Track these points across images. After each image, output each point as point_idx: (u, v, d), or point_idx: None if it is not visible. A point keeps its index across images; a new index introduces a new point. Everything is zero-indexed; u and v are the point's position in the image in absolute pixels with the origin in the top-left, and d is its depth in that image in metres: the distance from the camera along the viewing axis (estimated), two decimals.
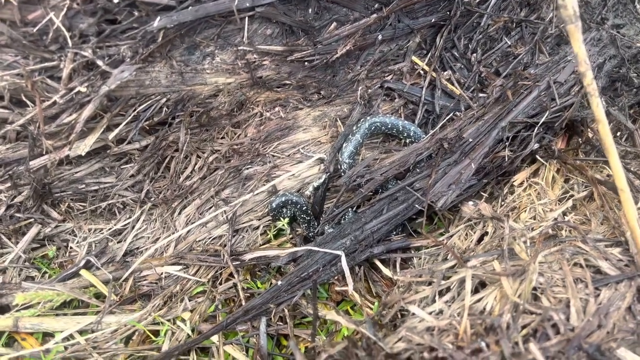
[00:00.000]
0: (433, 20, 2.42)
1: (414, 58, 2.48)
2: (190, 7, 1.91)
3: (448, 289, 1.86)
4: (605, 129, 1.68)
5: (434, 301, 1.81)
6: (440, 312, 1.75)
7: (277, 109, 2.34)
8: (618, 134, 2.57)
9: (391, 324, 1.83)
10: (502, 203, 2.32)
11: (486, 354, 1.47)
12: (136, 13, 1.87)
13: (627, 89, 2.79)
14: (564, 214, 2.09)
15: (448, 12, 2.45)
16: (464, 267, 1.85)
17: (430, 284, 1.91)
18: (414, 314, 1.73)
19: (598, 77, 2.63)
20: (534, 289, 1.70)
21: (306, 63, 2.23)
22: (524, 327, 1.56)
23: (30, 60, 1.88)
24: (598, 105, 1.67)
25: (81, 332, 2.05)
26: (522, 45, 2.73)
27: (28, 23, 1.82)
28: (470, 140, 2.29)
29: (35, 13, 1.80)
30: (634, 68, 2.79)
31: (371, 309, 2.10)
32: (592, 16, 2.95)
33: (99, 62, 1.87)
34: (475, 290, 1.82)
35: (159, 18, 1.87)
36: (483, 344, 1.50)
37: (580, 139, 2.45)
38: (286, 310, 2.04)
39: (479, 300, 1.73)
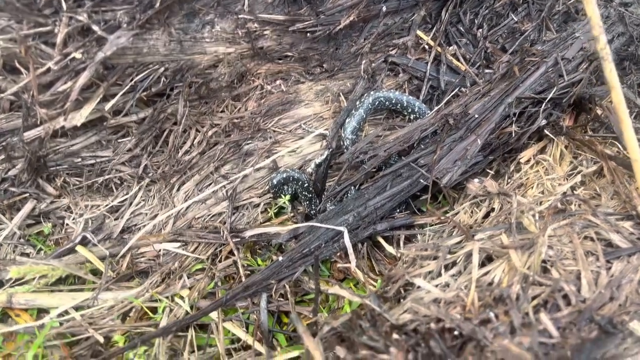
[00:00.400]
0: None
1: (418, 32, 2.43)
2: None
3: (454, 263, 1.80)
4: (619, 96, 1.63)
5: (439, 275, 1.75)
6: (447, 285, 1.70)
7: (278, 82, 2.28)
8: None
9: (395, 298, 1.77)
10: (509, 180, 2.27)
11: (495, 324, 1.42)
12: None
13: (636, 67, 2.73)
14: (573, 188, 2.04)
15: None
16: (470, 241, 1.80)
17: (435, 258, 1.86)
18: (419, 287, 1.68)
19: None
20: (544, 261, 1.64)
21: (308, 34, 2.17)
22: (534, 298, 1.51)
23: (24, 24, 1.81)
24: (611, 71, 1.62)
25: (77, 308, 2.00)
26: (529, 21, 2.67)
27: None
28: (476, 116, 2.24)
29: None
30: None
31: (374, 286, 2.05)
32: None
33: (95, 27, 1.80)
34: (482, 265, 1.76)
35: None
36: (492, 315, 1.45)
37: (588, 116, 2.39)
38: (287, 287, 1.99)
39: (486, 274, 1.68)
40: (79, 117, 1.98)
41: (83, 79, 1.86)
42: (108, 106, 2.01)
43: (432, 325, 1.45)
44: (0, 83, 1.93)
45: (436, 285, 1.68)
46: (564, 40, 2.48)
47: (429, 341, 1.40)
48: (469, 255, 1.76)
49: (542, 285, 1.55)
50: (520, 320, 1.41)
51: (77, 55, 1.82)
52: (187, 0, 1.94)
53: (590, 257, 1.66)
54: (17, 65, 1.89)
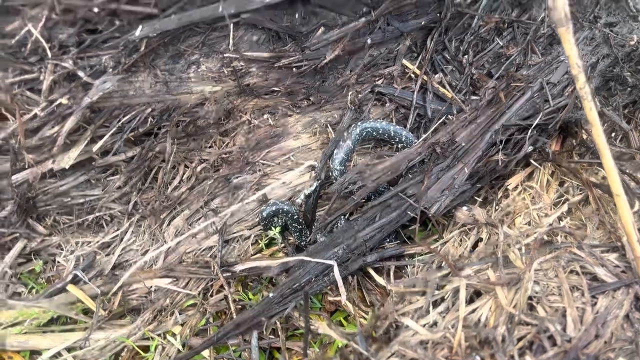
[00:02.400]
0: (423, 22, 2.38)
1: (404, 61, 2.45)
2: (173, 15, 1.86)
3: (442, 299, 1.82)
4: (599, 133, 1.64)
5: (428, 312, 1.77)
6: (435, 323, 1.71)
7: (265, 116, 2.30)
8: (613, 134, 2.54)
9: (385, 337, 1.78)
10: (497, 207, 2.28)
11: None
12: (117, 22, 1.83)
13: (621, 88, 2.75)
14: (560, 218, 2.06)
15: (438, 14, 2.41)
16: (457, 277, 1.81)
17: (424, 293, 1.87)
18: (407, 326, 1.69)
19: (591, 77, 2.60)
20: (530, 298, 1.66)
21: (294, 69, 2.19)
22: (519, 339, 1.52)
23: (10, 72, 1.83)
24: (591, 109, 1.63)
25: (69, 349, 2.01)
26: (515, 45, 2.69)
27: (6, 35, 1.77)
28: (463, 144, 2.26)
29: (12, 24, 1.76)
30: (628, 67, 2.75)
31: (365, 318, 2.06)
32: (584, 14, 2.91)
33: (80, 73, 1.82)
34: (470, 300, 1.78)
35: (141, 27, 1.82)
36: (478, 358, 1.46)
37: (574, 141, 2.42)
38: (278, 323, 2.00)
39: (473, 311, 1.70)
40: (67, 160, 2.00)
41: (70, 123, 1.87)
42: (96, 148, 2.03)
43: None
44: None
45: (424, 325, 1.70)
46: (549, 64, 2.51)
47: None
48: (456, 291, 1.78)
49: (528, 325, 1.56)
50: None
51: (64, 101, 1.83)
52: (172, 42, 1.96)
53: (575, 292, 1.68)
54: (4, 111, 1.91)
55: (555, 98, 2.37)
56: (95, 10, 1.77)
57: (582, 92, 1.62)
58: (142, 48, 1.88)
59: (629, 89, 2.72)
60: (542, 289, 1.69)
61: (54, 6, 1.73)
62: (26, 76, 1.84)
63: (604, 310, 1.61)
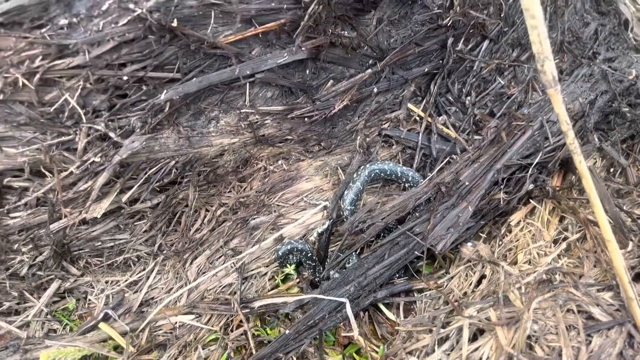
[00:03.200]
0: (426, 69, 2.53)
1: (409, 105, 2.59)
2: (194, 79, 2.05)
3: (447, 337, 1.95)
4: (589, 184, 1.77)
5: (433, 350, 1.90)
6: None
7: (280, 162, 2.46)
8: (611, 170, 2.64)
9: None
10: (500, 243, 2.40)
11: None
12: (144, 87, 2.02)
13: (621, 122, 2.85)
14: (559, 256, 2.17)
15: (441, 61, 2.56)
16: (460, 316, 1.94)
17: (431, 331, 2.00)
18: None
19: (590, 114, 2.71)
20: (529, 337, 1.78)
21: (306, 119, 2.35)
22: None
23: (48, 135, 2.03)
24: (581, 162, 1.76)
25: None
26: (516, 84, 2.82)
27: (45, 103, 1.97)
28: (467, 183, 2.38)
29: (51, 94, 1.96)
30: (626, 101, 2.86)
31: (376, 352, 2.19)
32: (583, 51, 3.04)
33: (111, 134, 2.01)
34: (474, 337, 1.90)
35: (165, 91, 2.01)
36: None
37: (574, 177, 2.53)
38: (295, 358, 2.14)
39: (476, 349, 1.82)
40: (99, 210, 2.18)
41: (102, 179, 2.06)
42: (125, 198, 2.21)
43: None
44: (28, 185, 2.14)
45: None
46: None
47: None
48: (460, 329, 1.91)
49: None
50: None
51: (96, 159, 2.02)
52: (193, 101, 2.14)
53: (572, 331, 1.79)
54: (43, 169, 2.10)
55: (555, 136, 2.48)
56: (125, 78, 1.96)
57: (572, 147, 1.75)
58: (167, 109, 2.06)
59: (627, 123, 2.82)
60: (540, 328, 1.81)
61: (89, 77, 1.92)
62: (63, 138, 2.03)
63: (598, 349, 1.72)
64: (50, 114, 1.98)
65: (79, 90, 1.93)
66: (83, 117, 1.97)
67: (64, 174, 2.05)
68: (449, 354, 1.85)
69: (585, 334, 1.77)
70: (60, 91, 1.93)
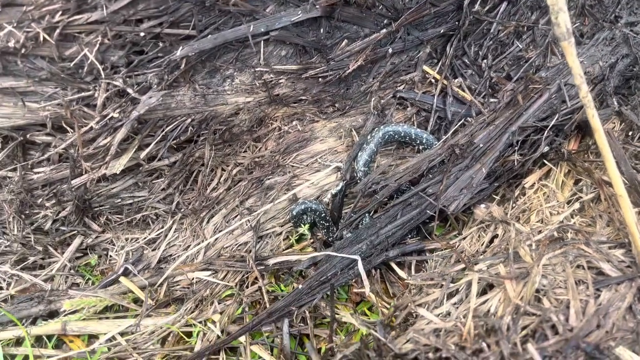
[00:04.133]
0: (442, 30, 2.51)
1: (425, 67, 2.58)
2: (209, 36, 2.08)
3: (457, 291, 1.97)
4: (601, 138, 1.76)
5: (442, 303, 1.93)
6: (448, 313, 1.87)
7: (294, 122, 2.49)
8: (630, 133, 2.60)
9: (404, 325, 1.96)
10: (514, 205, 2.40)
11: (487, 354, 1.58)
12: (161, 44, 2.05)
13: None
14: (571, 216, 2.17)
15: (457, 22, 2.53)
16: (471, 271, 1.96)
17: (441, 286, 2.03)
18: (422, 315, 1.86)
19: (610, 77, 2.67)
20: (537, 291, 1.79)
21: (320, 79, 2.36)
22: (524, 328, 1.66)
23: (69, 91, 2.08)
24: (594, 117, 1.75)
25: (122, 334, 2.25)
26: (534, 48, 2.78)
27: (65, 58, 2.02)
28: (481, 145, 2.38)
29: (71, 49, 2.01)
30: None
31: (387, 309, 2.23)
32: (605, 15, 2.97)
33: (129, 90, 2.06)
34: (483, 292, 1.93)
35: (181, 47, 2.05)
36: (484, 345, 1.61)
37: (590, 140, 2.51)
38: (307, 312, 2.19)
39: (484, 302, 1.85)
40: (118, 166, 2.24)
41: (120, 134, 2.11)
42: (143, 155, 2.27)
43: (431, 355, 1.63)
44: (50, 140, 2.21)
45: (438, 314, 1.86)
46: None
47: None
48: (469, 284, 1.93)
49: (533, 316, 1.70)
50: (509, 350, 1.58)
51: (115, 114, 2.07)
52: (208, 59, 2.17)
53: (581, 286, 1.80)
54: (64, 125, 2.17)
55: (573, 99, 2.45)
56: (142, 34, 2.00)
57: (585, 100, 1.74)
58: (183, 66, 2.10)
59: None
60: (550, 283, 1.82)
61: (107, 32, 1.96)
62: (83, 94, 2.09)
63: (607, 302, 1.73)
64: (70, 69, 2.03)
65: (98, 46, 1.97)
66: (102, 72, 2.02)
67: (84, 129, 2.12)
68: (457, 307, 1.88)
69: (595, 288, 1.77)
70: (80, 46, 1.98)
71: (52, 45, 1.97)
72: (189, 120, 2.27)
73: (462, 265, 2.09)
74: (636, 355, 1.58)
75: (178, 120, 2.26)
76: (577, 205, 2.19)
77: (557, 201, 2.27)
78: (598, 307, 1.71)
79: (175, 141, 2.30)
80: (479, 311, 1.80)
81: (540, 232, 2.08)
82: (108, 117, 2.09)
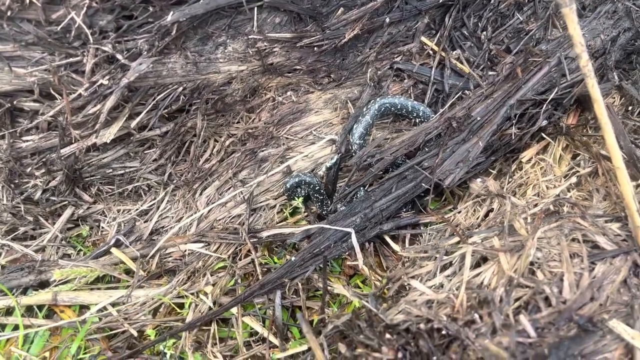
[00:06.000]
0: (441, 1, 2.45)
1: (423, 38, 2.53)
2: (201, 1, 2.02)
3: (450, 264, 1.96)
4: (600, 108, 1.72)
5: (435, 275, 1.91)
6: (441, 285, 1.86)
7: (289, 93, 2.44)
8: (630, 108, 2.57)
9: (396, 297, 1.94)
10: (510, 180, 2.37)
11: (479, 325, 1.57)
12: (151, 8, 1.99)
13: None
14: (568, 189, 2.14)
15: None
16: (465, 244, 1.94)
17: (434, 259, 2.01)
18: (415, 287, 1.84)
19: (611, 51, 2.62)
20: (531, 263, 1.77)
21: (315, 48, 2.31)
22: (516, 300, 1.65)
23: (56, 56, 2.03)
24: (593, 86, 1.71)
25: (113, 305, 2.23)
26: (535, 20, 2.73)
27: (52, 22, 1.97)
28: (479, 118, 2.34)
29: (58, 12, 1.95)
30: None
31: (380, 281, 2.22)
32: None
33: (119, 56, 2.00)
34: (477, 265, 1.91)
35: (172, 12, 1.99)
36: (477, 316, 1.60)
37: (590, 115, 2.47)
38: (299, 284, 2.18)
39: (478, 275, 1.83)
40: (109, 135, 2.20)
41: (110, 102, 2.07)
42: (134, 124, 2.22)
43: (422, 325, 1.61)
44: (38, 107, 2.16)
45: (431, 286, 1.85)
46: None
47: (418, 340, 1.57)
48: (463, 256, 1.91)
49: (527, 288, 1.69)
50: (501, 322, 1.56)
51: (104, 81, 2.02)
52: (200, 25, 2.11)
53: (575, 259, 1.79)
54: (52, 91, 2.12)
55: (573, 72, 2.40)
56: None
57: (585, 70, 1.70)
58: (174, 32, 2.04)
59: None
60: (544, 256, 1.80)
61: None
62: (71, 59, 2.03)
63: (601, 275, 1.71)
64: (57, 34, 1.97)
65: (85, 9, 1.91)
66: (90, 37, 1.97)
67: (73, 96, 2.07)
68: (450, 279, 1.86)
69: (589, 261, 1.76)
70: (67, 9, 1.92)
71: (39, 8, 1.91)
72: (181, 88, 2.22)
73: (457, 239, 2.07)
74: (629, 327, 1.57)
75: (169, 88, 2.22)
76: (574, 179, 2.16)
77: (554, 175, 2.25)
78: (592, 280, 1.70)
79: (166, 110, 2.26)
80: (472, 283, 1.79)
81: (536, 205, 2.06)
82: (97, 84, 2.04)
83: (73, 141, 2.23)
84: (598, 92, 1.71)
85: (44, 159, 2.30)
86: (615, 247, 1.79)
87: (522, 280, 1.68)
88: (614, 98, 2.62)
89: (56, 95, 2.14)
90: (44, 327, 2.19)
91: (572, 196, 2.08)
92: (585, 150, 2.28)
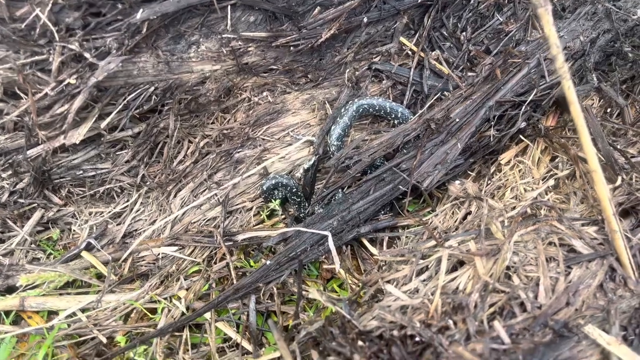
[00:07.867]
0: (420, 0, 2.42)
1: (401, 39, 2.50)
2: None
3: (427, 268, 1.92)
4: (576, 110, 1.70)
5: (411, 280, 1.88)
6: (416, 290, 1.82)
7: (265, 93, 2.40)
8: (609, 110, 2.56)
9: (371, 302, 1.90)
10: (489, 182, 2.35)
11: (452, 332, 1.54)
12: (119, 6, 1.93)
13: (622, 63, 2.76)
14: (546, 192, 2.13)
15: None
16: (442, 247, 1.91)
17: (411, 263, 1.98)
18: (390, 292, 1.81)
19: (590, 52, 2.62)
20: (508, 268, 1.75)
21: (292, 48, 2.27)
22: (491, 305, 1.62)
23: (21, 54, 1.96)
24: (569, 88, 1.69)
25: (83, 310, 2.17)
26: (515, 21, 2.71)
27: (16, 19, 1.89)
28: (457, 120, 2.32)
29: (22, 9, 1.88)
30: (629, 42, 2.75)
31: (358, 286, 2.18)
32: None
33: (86, 55, 1.94)
34: (454, 269, 1.88)
35: (141, 10, 1.93)
36: (451, 322, 1.57)
37: (568, 117, 2.45)
38: (275, 289, 2.13)
39: (453, 279, 1.80)
40: (77, 136, 2.14)
41: (78, 102, 2.00)
42: (103, 124, 2.16)
43: (395, 332, 1.58)
44: (3, 107, 2.09)
45: (406, 291, 1.81)
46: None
47: (391, 348, 1.53)
48: (439, 260, 1.88)
49: (502, 293, 1.66)
50: (475, 328, 1.53)
51: (72, 80, 1.96)
52: (172, 23, 2.05)
53: (552, 263, 1.76)
54: (17, 91, 2.05)
55: (552, 74, 2.39)
56: None
57: (561, 72, 1.68)
58: (144, 30, 1.98)
59: (629, 64, 2.73)
60: (520, 260, 1.78)
61: None
62: (36, 57, 1.96)
63: (577, 280, 1.69)
64: (22, 31, 1.90)
65: (50, 6, 1.84)
66: (56, 35, 1.90)
67: (39, 95, 2.00)
68: (426, 283, 1.83)
69: (565, 265, 1.74)
70: (31, 6, 1.85)
71: (2, 4, 1.84)
72: (152, 88, 2.16)
73: (434, 242, 2.04)
74: (604, 333, 1.55)
75: (140, 88, 2.15)
76: (552, 182, 2.14)
77: (533, 177, 2.23)
78: (568, 285, 1.68)
79: (138, 110, 2.20)
80: (448, 288, 1.75)
81: (513, 208, 2.03)
82: (64, 83, 1.97)
83: (40, 142, 2.16)
84: (574, 94, 1.68)
85: (10, 160, 2.22)
86: (592, 251, 1.78)
87: (498, 285, 1.66)
88: (593, 100, 2.61)
89: (21, 95, 2.06)
90: (11, 333, 2.11)
91: (549, 199, 2.06)
92: (563, 153, 2.26)
